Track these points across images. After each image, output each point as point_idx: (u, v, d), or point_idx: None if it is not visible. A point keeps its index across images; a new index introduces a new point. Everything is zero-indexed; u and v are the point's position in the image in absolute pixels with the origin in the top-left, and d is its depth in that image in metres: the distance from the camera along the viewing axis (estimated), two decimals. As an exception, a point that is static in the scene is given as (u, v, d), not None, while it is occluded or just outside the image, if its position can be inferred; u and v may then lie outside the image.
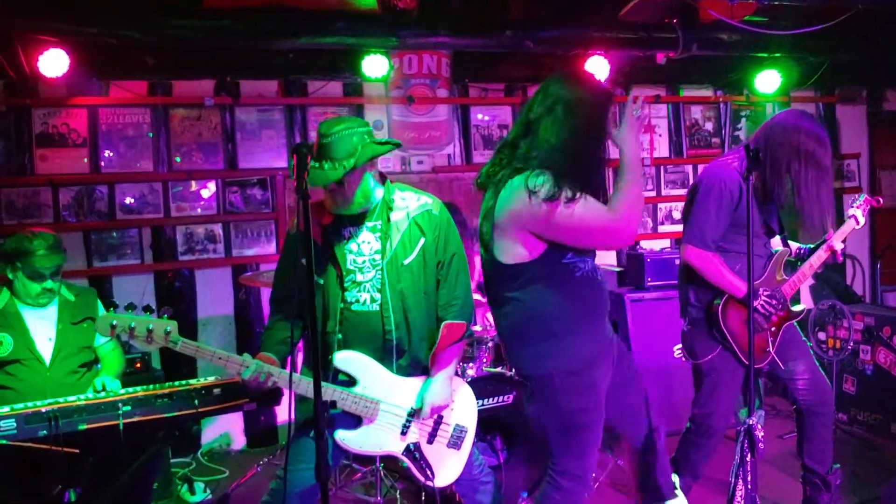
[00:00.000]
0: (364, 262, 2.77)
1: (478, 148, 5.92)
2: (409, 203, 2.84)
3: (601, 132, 2.74)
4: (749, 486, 2.66)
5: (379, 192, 2.83)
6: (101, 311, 3.59)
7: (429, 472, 2.85)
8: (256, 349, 5.19)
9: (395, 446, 2.83)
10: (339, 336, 2.77)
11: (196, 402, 3.00)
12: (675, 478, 3.28)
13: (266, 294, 5.46)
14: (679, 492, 3.23)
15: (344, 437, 2.75)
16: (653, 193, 6.37)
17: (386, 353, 2.78)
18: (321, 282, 2.79)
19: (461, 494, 3.09)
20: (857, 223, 3.66)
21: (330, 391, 2.69)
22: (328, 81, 5.54)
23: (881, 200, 3.83)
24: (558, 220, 2.54)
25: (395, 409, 2.80)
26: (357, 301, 2.77)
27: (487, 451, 3.95)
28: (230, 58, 5.21)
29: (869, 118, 7.09)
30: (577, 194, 2.55)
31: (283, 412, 5.22)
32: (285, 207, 5.44)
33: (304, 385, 2.66)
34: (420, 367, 2.87)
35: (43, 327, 3.41)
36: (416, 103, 5.62)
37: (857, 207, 3.68)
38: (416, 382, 2.85)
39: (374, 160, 2.74)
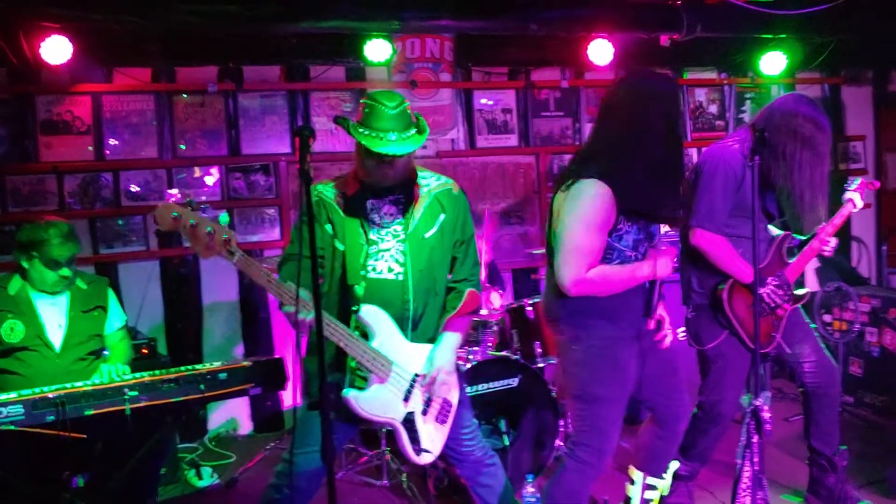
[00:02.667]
0: (387, 233, 2.81)
1: (482, 132, 5.90)
2: (431, 182, 2.90)
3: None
4: (756, 468, 2.66)
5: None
6: (112, 299, 3.64)
7: (416, 447, 2.86)
8: (260, 334, 5.16)
9: (397, 413, 2.83)
10: (358, 307, 2.75)
11: (202, 386, 3.01)
12: (675, 464, 3.33)
13: (271, 280, 5.48)
14: (668, 476, 3.31)
15: (355, 395, 2.74)
16: (657, 177, 6.34)
17: (402, 322, 2.81)
18: (342, 248, 2.78)
19: (465, 477, 3.09)
20: (855, 206, 3.63)
21: (352, 340, 2.69)
22: (331, 66, 5.52)
23: (877, 183, 3.81)
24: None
25: (405, 371, 2.82)
26: (375, 269, 2.78)
27: (492, 434, 3.97)
28: (233, 43, 5.19)
29: (875, 99, 7.05)
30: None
31: (290, 397, 5.26)
32: (289, 193, 5.44)
33: (334, 330, 2.65)
34: (428, 339, 2.91)
35: (54, 315, 3.43)
36: (419, 88, 5.60)
37: (854, 191, 3.65)
38: (423, 349, 2.88)
39: None
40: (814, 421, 3.59)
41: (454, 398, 2.96)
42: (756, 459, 2.59)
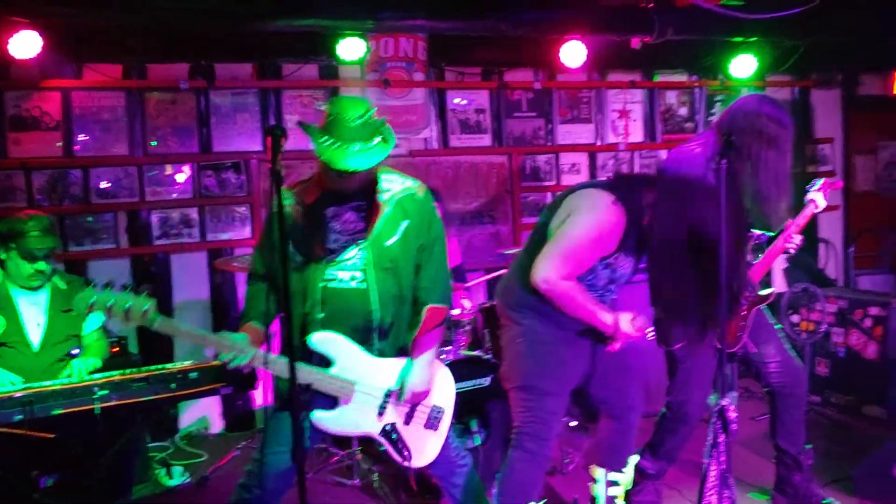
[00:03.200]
0: (346, 240, 2.78)
1: (455, 132, 5.93)
2: (394, 186, 2.85)
3: None
4: (723, 467, 2.71)
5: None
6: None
7: (406, 453, 2.87)
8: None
9: (372, 427, 2.84)
10: (321, 315, 2.76)
11: (173, 385, 3.01)
12: (635, 458, 3.38)
13: (241, 278, 5.45)
14: (628, 470, 3.34)
15: (321, 417, 2.77)
16: (627, 177, 6.42)
17: (367, 332, 2.79)
18: (300, 259, 2.78)
19: (437, 477, 3.11)
20: (817, 206, 3.69)
21: (305, 372, 2.70)
22: (303, 64, 5.52)
23: (839, 183, 3.88)
24: None
25: (372, 389, 2.81)
26: (337, 278, 2.77)
27: (464, 434, 3.99)
28: (205, 41, 5.17)
29: (844, 102, 7.18)
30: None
31: (261, 396, 5.25)
32: (260, 191, 5.43)
33: (281, 366, 2.66)
34: (400, 349, 2.88)
35: (34, 313, 3.43)
36: (392, 87, 5.61)
37: (817, 191, 3.71)
38: (393, 363, 2.86)
39: None
40: (780, 420, 3.66)
41: (445, 403, 2.97)
42: (723, 458, 2.63)
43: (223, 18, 4.55)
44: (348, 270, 2.77)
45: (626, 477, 3.35)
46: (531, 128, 6.13)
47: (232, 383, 3.14)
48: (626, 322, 2.85)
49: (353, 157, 2.56)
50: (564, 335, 2.92)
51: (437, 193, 4.80)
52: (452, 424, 3.04)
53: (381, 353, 2.84)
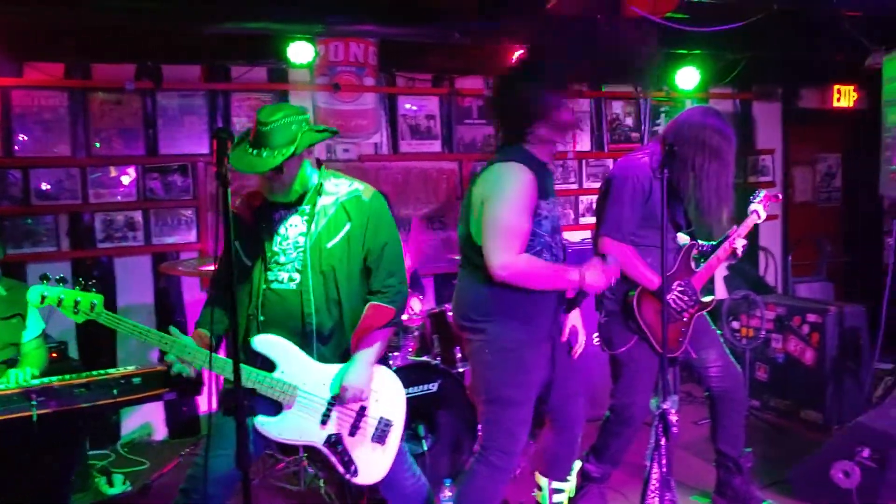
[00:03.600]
0: (289, 244, 2.78)
1: (405, 137, 5.94)
2: (340, 189, 2.85)
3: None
4: (664, 470, 2.76)
5: (314, 178, 2.85)
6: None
7: (352, 468, 2.82)
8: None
9: (316, 436, 2.81)
10: (262, 318, 2.76)
11: (115, 391, 2.95)
12: (578, 464, 3.43)
13: (186, 282, 5.39)
14: (572, 478, 3.40)
15: (263, 423, 2.74)
16: (574, 186, 6.51)
17: (306, 336, 2.77)
18: (248, 264, 2.79)
19: (383, 488, 3.03)
20: (759, 217, 3.79)
21: (247, 374, 2.68)
22: (252, 67, 5.48)
23: (780, 196, 3.99)
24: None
25: (315, 396, 2.79)
26: (277, 280, 2.77)
27: (411, 439, 3.99)
28: (152, 41, 5.09)
29: (784, 115, 7.36)
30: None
31: (206, 401, 5.17)
32: (207, 195, 5.36)
33: (223, 366, 2.64)
34: (345, 356, 2.85)
35: None
36: (342, 91, 5.60)
37: (759, 203, 3.81)
38: (337, 369, 2.83)
39: (312, 147, 2.77)
40: (720, 424, 3.74)
41: (395, 417, 2.92)
42: (664, 461, 2.69)
43: (170, 19, 4.50)
44: (287, 272, 2.77)
45: (569, 484, 3.40)
46: (482, 135, 6.16)
47: (176, 389, 3.09)
48: (593, 272, 2.88)
49: (241, 160, 2.63)
50: (528, 338, 2.91)
51: (387, 199, 4.80)
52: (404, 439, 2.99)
53: (323, 358, 2.82)
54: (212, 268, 2.85)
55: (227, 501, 2.77)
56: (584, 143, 6.56)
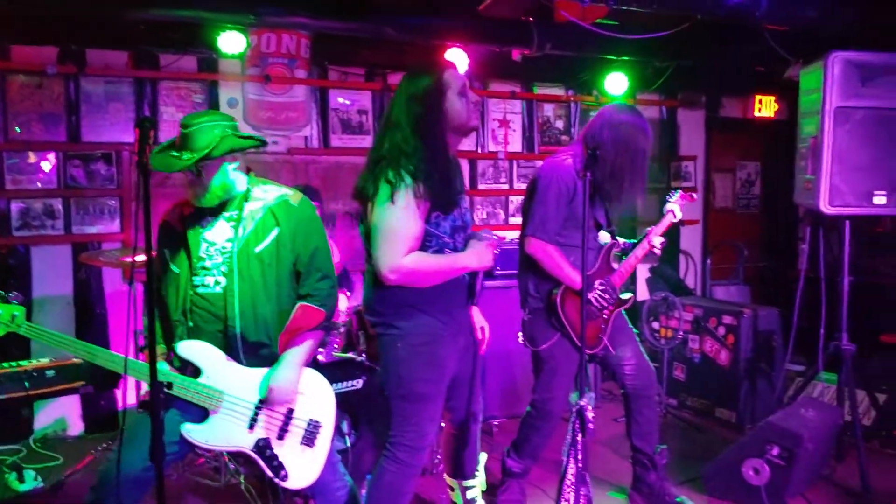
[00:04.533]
0: (216, 249, 2.76)
1: (336, 132, 5.90)
2: (269, 195, 2.84)
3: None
4: (580, 465, 2.81)
5: (241, 185, 2.83)
6: None
7: (282, 473, 2.78)
8: (96, 331, 4.99)
9: (243, 440, 2.77)
10: (191, 324, 2.73)
11: (27, 384, 2.87)
12: (483, 456, 3.48)
13: (108, 273, 5.25)
14: (480, 472, 3.43)
15: (190, 430, 2.69)
16: (505, 186, 6.57)
17: (231, 340, 2.74)
18: (177, 271, 2.77)
19: (313, 494, 3.01)
20: (675, 217, 3.89)
21: (172, 380, 2.64)
22: (182, 55, 5.37)
23: (695, 196, 4.11)
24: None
25: (241, 400, 2.75)
26: (203, 284, 2.75)
27: (335, 435, 3.97)
28: (76, 24, 4.94)
29: (707, 123, 7.57)
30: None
31: (125, 396, 5.04)
32: (131, 184, 5.24)
33: (139, 370, 2.60)
34: (272, 361, 2.81)
35: None
36: (273, 83, 5.54)
37: (675, 203, 3.92)
38: (264, 372, 2.80)
39: (236, 153, 2.75)
40: (634, 420, 3.84)
41: (324, 418, 2.88)
42: (580, 457, 2.74)
43: (96, 3, 4.37)
44: (213, 276, 2.74)
45: (479, 479, 3.43)
46: (413, 132, 6.17)
47: (92, 382, 3.02)
48: (481, 250, 2.88)
49: (156, 159, 2.67)
50: (439, 331, 2.88)
51: (317, 193, 4.78)
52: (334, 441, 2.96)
53: (250, 363, 2.79)
54: (136, 258, 2.80)
55: (141, 498, 2.69)
56: (515, 143, 6.63)
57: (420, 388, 2.89)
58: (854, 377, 4.32)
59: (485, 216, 6.52)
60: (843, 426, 4.42)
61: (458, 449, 3.31)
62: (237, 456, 4.12)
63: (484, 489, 3.50)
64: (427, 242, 2.82)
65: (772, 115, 7.75)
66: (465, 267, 2.88)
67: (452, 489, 3.40)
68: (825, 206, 4.08)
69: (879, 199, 4.10)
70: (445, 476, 3.40)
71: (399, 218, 2.71)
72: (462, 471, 3.35)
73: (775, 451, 3.82)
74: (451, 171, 2.92)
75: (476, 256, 2.88)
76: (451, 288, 2.90)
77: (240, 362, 2.77)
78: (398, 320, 2.87)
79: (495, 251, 2.93)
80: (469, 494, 3.36)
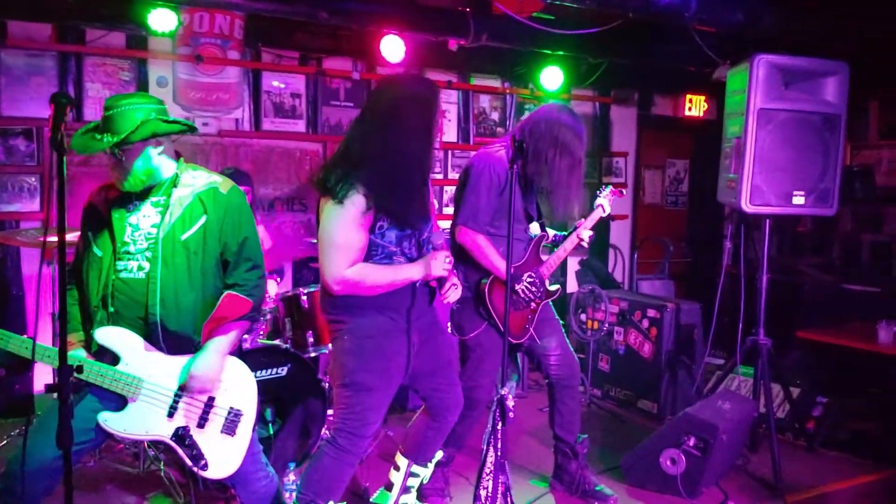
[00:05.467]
0: (140, 234, 2.69)
1: (268, 115, 5.81)
2: (198, 181, 2.78)
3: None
4: (499, 453, 2.84)
5: (168, 170, 2.76)
6: None
7: (202, 462, 2.74)
8: (13, 313, 4.81)
9: (163, 429, 2.71)
10: (112, 309, 2.66)
11: (-67, 367, 2.74)
12: (439, 454, 3.51)
13: (27, 254, 5.08)
14: (430, 466, 3.47)
15: (107, 419, 2.62)
16: (440, 176, 6.58)
17: (150, 327, 2.68)
18: (100, 254, 2.69)
19: (237, 491, 2.98)
20: (604, 211, 3.96)
21: (87, 368, 2.55)
22: (109, 31, 5.21)
23: (624, 192, 4.19)
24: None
25: (161, 387, 2.70)
26: (126, 269, 2.68)
27: (258, 423, 3.92)
28: (-4, -6, 4.76)
29: (639, 120, 7.72)
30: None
31: (45, 378, 4.89)
32: (52, 161, 5.05)
33: (46, 354, 2.53)
34: (192, 348, 2.76)
35: None
36: (204, 63, 5.42)
37: (604, 197, 3.99)
38: (185, 360, 2.75)
39: (161, 137, 2.69)
40: (557, 410, 3.90)
41: (245, 406, 2.84)
42: (499, 445, 2.76)
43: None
44: (136, 261, 2.68)
45: (427, 471, 3.45)
46: (348, 118, 6.11)
47: (3, 365, 2.90)
48: (438, 263, 2.93)
49: (80, 140, 2.65)
50: (385, 327, 2.93)
51: (247, 177, 4.70)
52: (257, 429, 2.92)
53: (172, 351, 2.73)
54: (54, 239, 2.69)
55: (53, 485, 2.60)
56: (450, 133, 6.63)
57: (362, 379, 2.92)
58: (770, 371, 4.46)
59: (418, 205, 6.50)
60: (758, 418, 4.57)
61: (424, 434, 3.33)
62: (157, 444, 4.05)
63: (426, 482, 3.52)
64: (372, 251, 2.87)
65: (701, 114, 7.94)
66: (408, 279, 2.92)
67: (397, 468, 3.39)
68: (746, 205, 4.19)
69: (798, 200, 4.24)
70: (398, 454, 3.41)
71: (344, 229, 2.77)
72: (416, 454, 3.37)
73: (692, 441, 3.92)
74: (417, 189, 2.95)
75: (422, 268, 2.93)
76: (402, 291, 2.95)
77: (160, 350, 2.71)
78: (346, 315, 2.94)
79: (446, 267, 2.96)
80: (410, 481, 3.39)
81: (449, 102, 6.57)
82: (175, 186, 2.74)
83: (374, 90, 3.00)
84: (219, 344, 2.76)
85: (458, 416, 3.35)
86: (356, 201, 2.76)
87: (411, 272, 2.92)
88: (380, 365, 2.94)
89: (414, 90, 2.94)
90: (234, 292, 2.78)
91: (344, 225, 2.76)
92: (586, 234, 3.82)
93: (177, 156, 2.82)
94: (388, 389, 3.00)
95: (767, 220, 4.38)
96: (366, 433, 2.98)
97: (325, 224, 2.80)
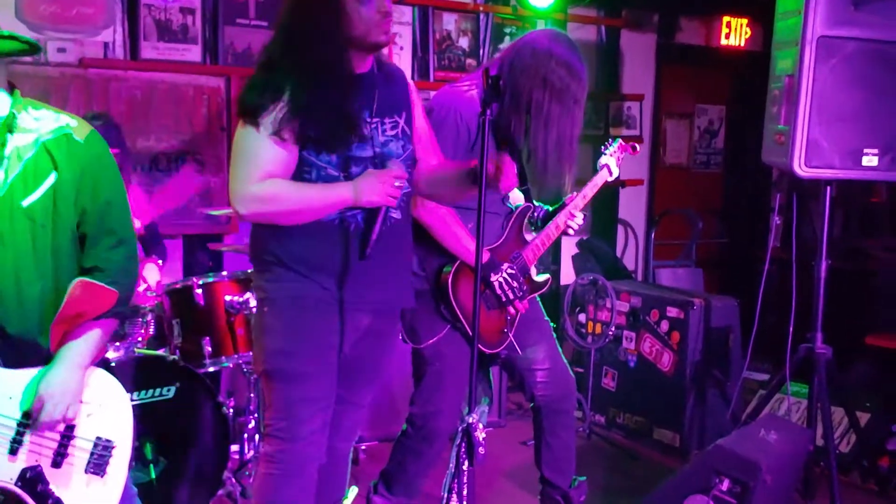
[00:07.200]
0: None
1: (149, 38, 5.70)
2: (43, 124, 2.70)
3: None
4: (464, 503, 2.83)
5: (2, 108, 2.67)
6: None
7: None
8: None
9: (4, 472, 2.66)
10: None
11: None
12: (353, 490, 3.57)
13: None
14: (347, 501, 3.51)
15: None
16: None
17: None
18: None
19: None
20: (610, 174, 3.97)
21: None
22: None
23: (638, 148, 4.19)
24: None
25: None
26: None
27: (135, 464, 3.89)
28: None
29: (659, 51, 7.74)
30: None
31: None
32: None
33: None
34: (40, 358, 2.72)
35: None
36: (60, -36, 5.33)
37: (611, 155, 3.99)
38: (31, 375, 2.70)
39: None
40: (545, 444, 3.92)
41: (116, 436, 2.81)
42: (465, 492, 2.76)
43: None
44: None
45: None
46: (260, 41, 6.03)
47: None
48: (372, 183, 2.89)
49: None
50: (311, 292, 2.94)
51: (117, 129, 4.63)
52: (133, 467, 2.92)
53: (12, 363, 2.69)
54: None
55: None
56: (403, 66, 6.58)
57: (284, 364, 2.97)
58: (830, 390, 4.51)
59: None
60: (814, 453, 4.62)
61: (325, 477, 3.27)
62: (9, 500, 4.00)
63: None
64: (305, 173, 2.89)
65: (743, 44, 8.00)
66: (339, 200, 2.90)
67: None
68: (800, 167, 4.21)
69: (870, 161, 4.26)
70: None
71: (254, 137, 2.83)
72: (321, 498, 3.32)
73: (725, 484, 3.95)
74: (341, 96, 2.94)
75: (358, 188, 2.88)
76: (319, 234, 2.94)
77: None
78: (263, 279, 3.03)
79: (396, 185, 2.92)
80: None
81: (401, 23, 6.52)
82: (10, 132, 2.65)
83: None
84: (76, 351, 2.71)
85: (352, 442, 3.40)
86: (271, 110, 2.82)
87: (342, 191, 2.89)
88: (300, 347, 2.97)
89: None
90: (91, 279, 2.72)
91: (255, 132, 2.82)
92: (578, 217, 3.82)
93: (10, 88, 2.73)
94: (320, 377, 3.01)
95: (829, 188, 4.42)
96: (299, 434, 2.99)
97: (236, 136, 2.89)
